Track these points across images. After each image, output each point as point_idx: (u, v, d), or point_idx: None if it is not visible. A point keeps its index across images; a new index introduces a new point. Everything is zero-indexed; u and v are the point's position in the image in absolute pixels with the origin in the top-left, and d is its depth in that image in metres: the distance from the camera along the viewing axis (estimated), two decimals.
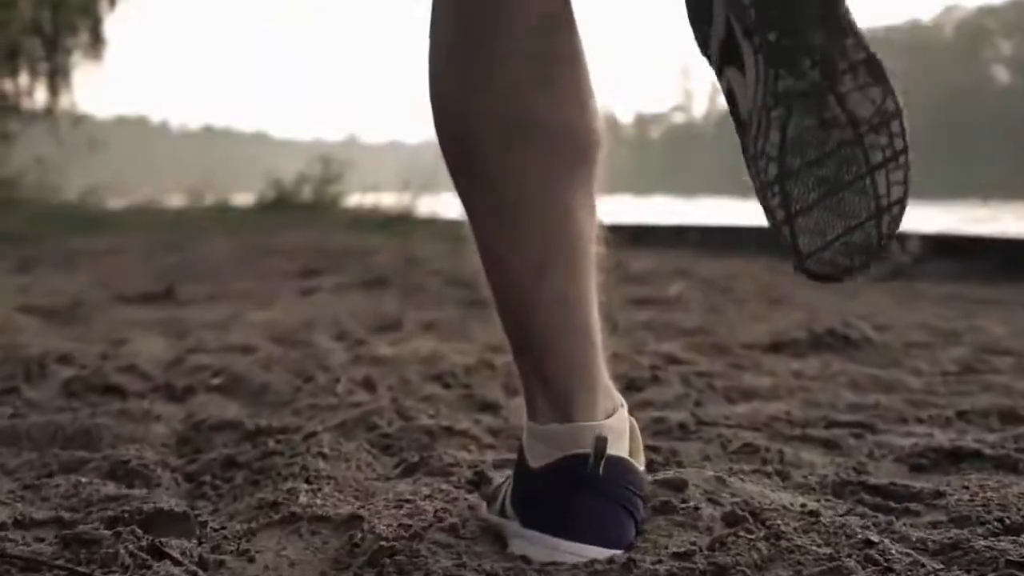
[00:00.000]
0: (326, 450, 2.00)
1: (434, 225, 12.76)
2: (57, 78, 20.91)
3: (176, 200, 20.01)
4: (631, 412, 1.68)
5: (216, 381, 2.83)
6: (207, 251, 9.80)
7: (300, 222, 13.95)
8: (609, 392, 1.65)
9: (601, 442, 1.55)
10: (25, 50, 20.08)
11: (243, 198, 19.02)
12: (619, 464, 1.58)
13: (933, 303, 5.77)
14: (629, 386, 2.76)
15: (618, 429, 1.61)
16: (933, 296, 6.16)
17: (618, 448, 1.59)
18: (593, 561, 1.50)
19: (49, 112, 20.62)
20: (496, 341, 3.71)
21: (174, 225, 13.85)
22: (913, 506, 1.78)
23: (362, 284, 6.39)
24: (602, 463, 1.55)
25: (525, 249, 1.61)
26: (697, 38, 1.52)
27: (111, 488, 1.86)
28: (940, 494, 1.83)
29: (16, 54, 18.42)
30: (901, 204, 1.45)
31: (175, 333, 4.30)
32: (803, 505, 1.71)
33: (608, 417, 1.60)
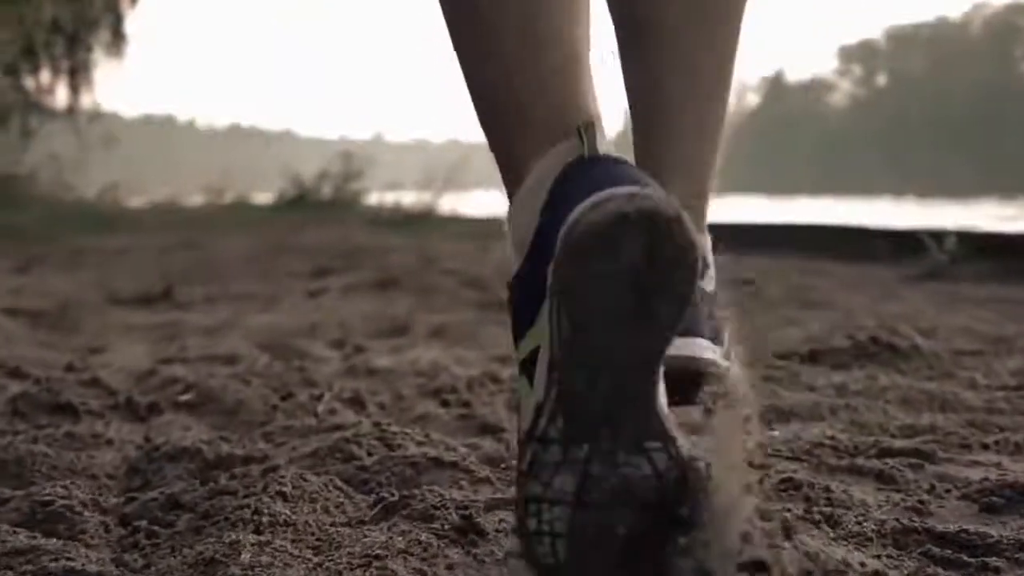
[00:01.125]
0: (288, 488, 1.68)
1: (455, 223, 12.48)
2: (78, 75, 20.72)
3: (196, 199, 19.82)
4: None
5: (185, 398, 2.51)
6: (221, 250, 9.52)
7: (319, 220, 13.66)
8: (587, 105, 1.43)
9: (588, 124, 1.36)
10: (46, 47, 19.85)
11: (265, 196, 18.82)
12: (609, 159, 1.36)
13: (975, 305, 5.42)
14: None
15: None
16: (974, 298, 5.81)
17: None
18: None
19: (70, 110, 20.44)
20: (505, 350, 3.41)
21: (191, 223, 13.58)
22: (992, 561, 1.46)
23: (374, 285, 6.08)
24: (596, 143, 1.35)
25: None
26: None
27: (22, 538, 1.54)
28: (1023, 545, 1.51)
29: (36, 51, 18.13)
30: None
31: (161, 339, 4.00)
32: (863, 564, 1.39)
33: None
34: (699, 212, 1.75)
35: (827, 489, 1.75)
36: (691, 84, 1.69)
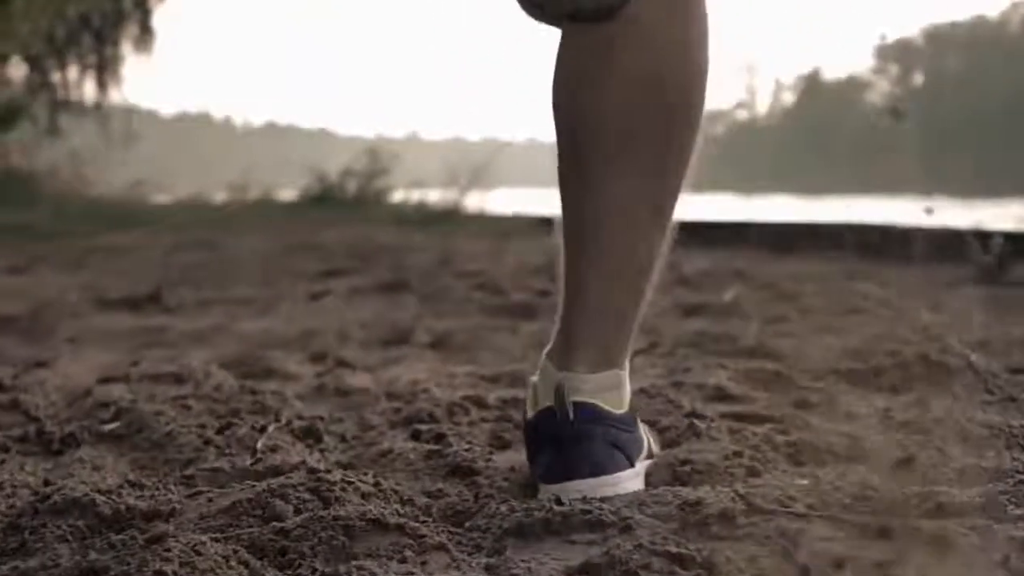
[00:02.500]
0: (173, 565, 1.29)
1: (480, 221, 12.10)
2: (106, 71, 20.48)
3: (220, 196, 19.52)
4: None
5: (111, 427, 2.13)
6: (235, 249, 9.16)
7: (342, 218, 13.30)
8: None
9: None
10: (69, 42, 19.60)
11: (291, 193, 18.49)
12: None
13: None
14: (659, 441, 2.06)
15: (603, 385, 1.76)
16: None
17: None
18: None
19: (97, 106, 20.20)
20: (504, 365, 3.02)
21: (211, 221, 13.24)
22: None
23: (382, 287, 5.71)
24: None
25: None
26: None
27: None
28: None
29: (59, 46, 17.85)
30: None
31: (130, 348, 3.65)
32: None
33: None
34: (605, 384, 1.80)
35: (880, 570, 1.35)
36: (599, 266, 1.78)
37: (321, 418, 2.19)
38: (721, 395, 2.47)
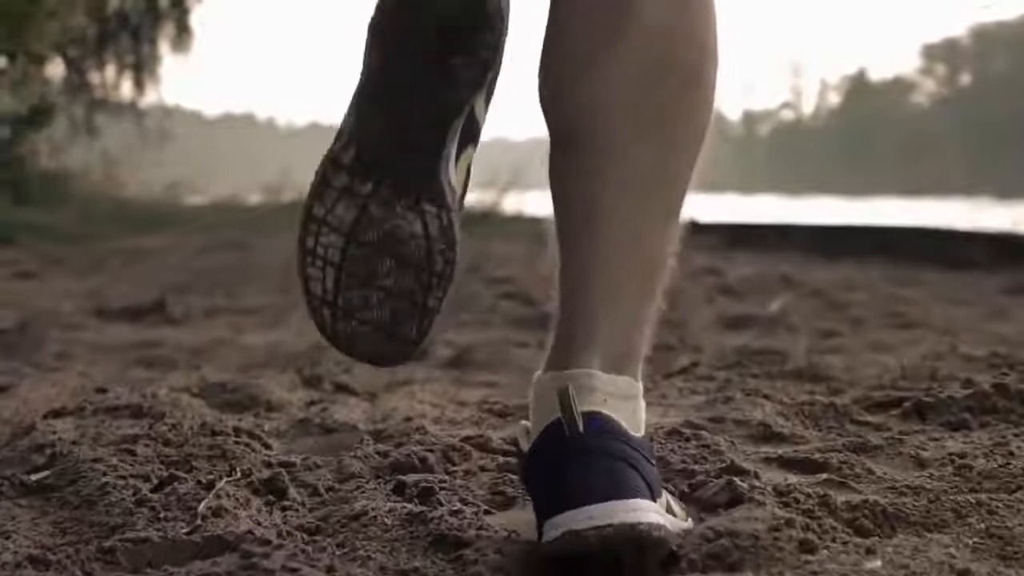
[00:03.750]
0: None
1: (517, 224, 11.75)
2: (143, 71, 20.32)
3: (256, 197, 19.28)
4: None
5: (39, 476, 1.78)
6: (261, 252, 8.85)
7: None
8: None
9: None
10: (101, 41, 19.41)
11: None
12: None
13: None
14: (693, 502, 1.71)
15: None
16: None
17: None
18: None
19: (133, 106, 20.03)
20: (523, 390, 2.66)
21: (242, 223, 12.94)
22: None
23: None
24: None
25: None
26: None
27: None
28: None
29: (87, 42, 17.62)
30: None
31: (117, 364, 3.35)
32: None
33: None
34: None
35: None
36: (607, 255, 1.57)
37: (292, 464, 1.85)
38: (767, 434, 2.11)
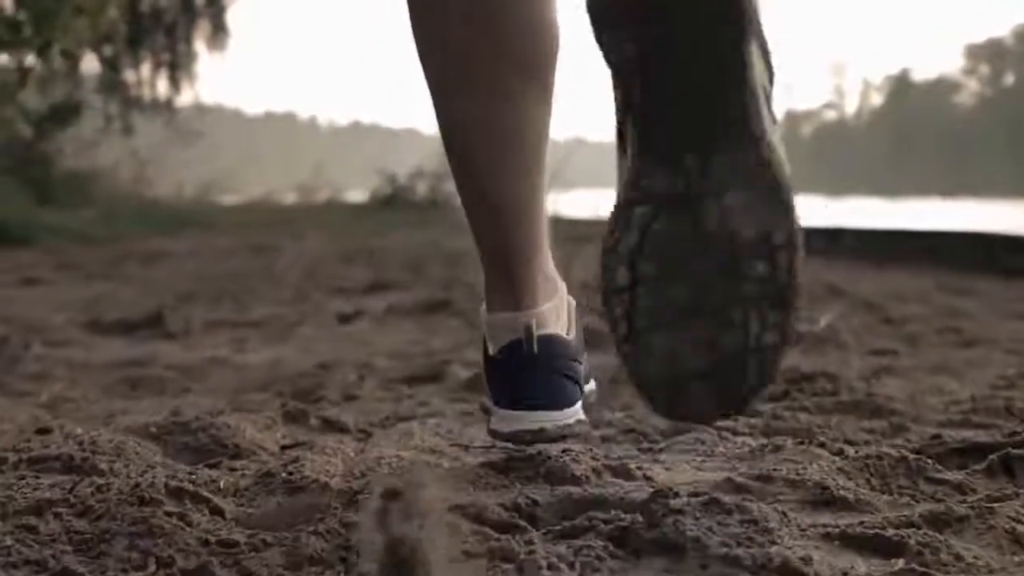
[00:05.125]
0: None
1: (552, 225, 11.35)
2: (179, 69, 20.15)
3: (291, 197, 19.05)
4: None
5: None
6: (288, 254, 8.53)
7: (409, 221, 12.66)
8: (550, 276, 1.93)
9: (528, 328, 1.85)
10: (134, 39, 19.21)
11: (362, 195, 17.98)
12: (551, 340, 1.87)
13: None
14: None
15: (553, 311, 1.89)
16: None
17: (556, 326, 1.89)
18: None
19: (168, 104, 19.84)
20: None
21: (272, 224, 12.64)
22: None
23: (426, 306, 5.00)
24: (535, 343, 1.84)
25: (486, 149, 1.80)
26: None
27: None
28: None
29: (116, 40, 17.38)
30: (775, 352, 1.29)
31: (96, 389, 3.04)
32: None
33: (547, 301, 1.89)
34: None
35: None
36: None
37: (233, 545, 1.47)
38: (826, 499, 1.73)
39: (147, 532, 1.48)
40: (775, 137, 1.33)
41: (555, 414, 1.82)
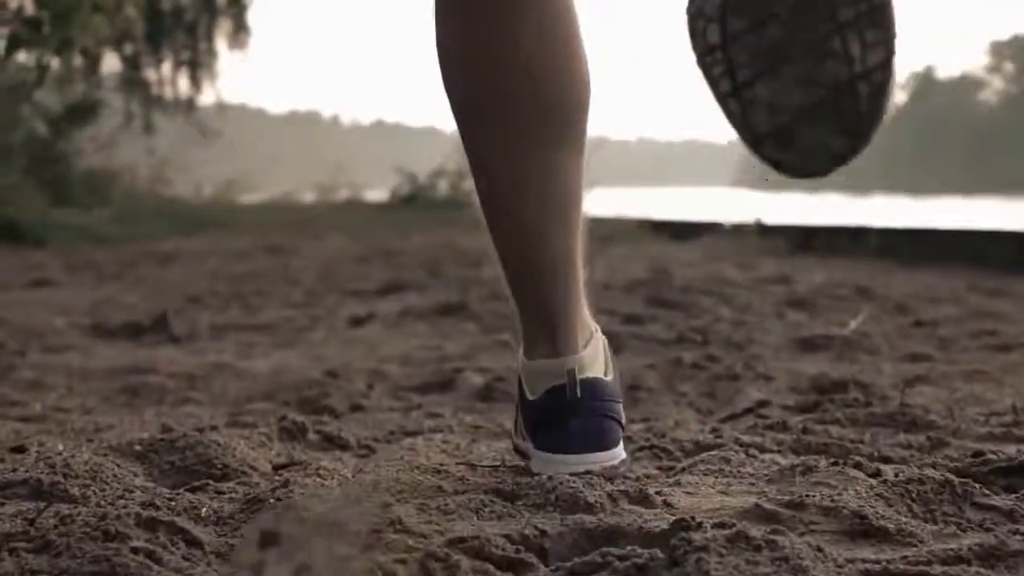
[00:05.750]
0: None
1: None
2: (200, 68, 20.06)
3: (311, 196, 18.94)
4: None
5: None
6: (301, 255, 8.39)
7: (428, 221, 12.51)
8: (586, 323, 1.90)
9: (571, 373, 1.83)
10: (167, 37, 19.14)
11: (382, 194, 17.85)
12: (593, 383, 1.85)
13: None
14: None
15: (593, 354, 1.87)
16: None
17: (594, 369, 1.86)
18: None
19: (189, 103, 19.76)
20: None
21: (290, 224, 12.50)
22: None
23: (441, 309, 4.85)
24: (578, 387, 1.83)
25: (520, 200, 1.79)
26: None
27: None
28: None
29: (136, 38, 17.27)
30: (884, 71, 1.25)
31: (96, 397, 2.92)
32: None
33: (586, 346, 1.87)
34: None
35: None
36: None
37: None
38: (863, 529, 1.57)
39: (109, 572, 1.32)
40: None
41: (600, 455, 1.84)
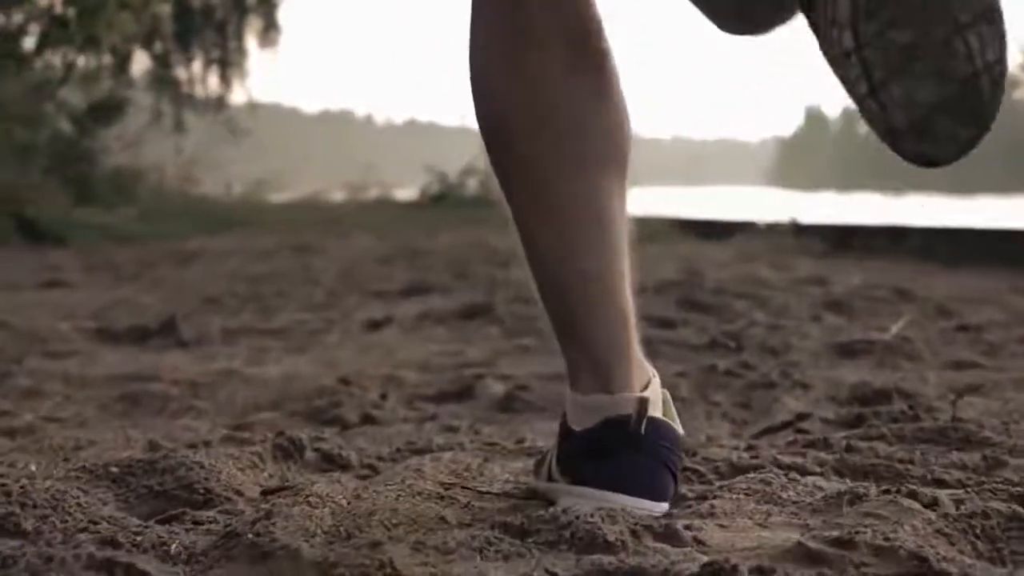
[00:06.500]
0: None
1: None
2: (230, 66, 19.96)
3: (339, 195, 18.81)
4: None
5: None
6: (326, 255, 8.21)
7: (458, 220, 12.32)
8: (642, 365, 1.76)
9: (643, 403, 1.68)
10: (197, 35, 19.06)
11: (412, 193, 17.70)
12: (659, 424, 1.69)
13: None
14: None
15: (654, 398, 1.72)
16: None
17: (655, 411, 1.70)
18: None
19: (219, 101, 19.66)
20: None
21: (317, 223, 12.33)
22: None
23: (464, 312, 4.66)
24: (644, 422, 1.67)
25: (557, 229, 1.70)
26: None
27: None
28: None
29: (161, 37, 17.17)
30: (1001, 63, 1.39)
31: (95, 407, 2.78)
32: None
33: (644, 389, 1.72)
34: None
35: None
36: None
37: None
38: (921, 573, 1.37)
39: None
40: None
41: (649, 504, 1.65)
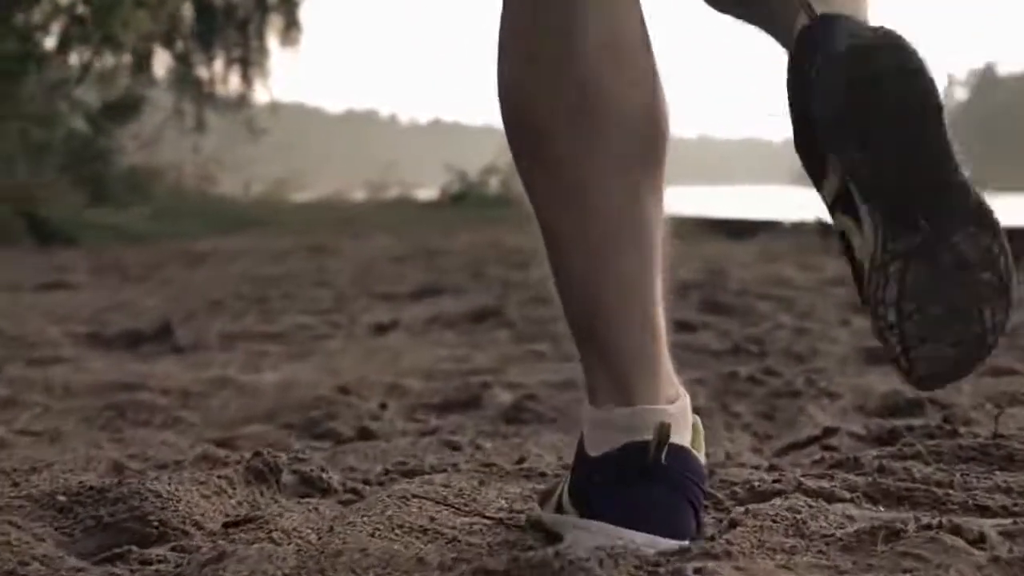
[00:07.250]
0: None
1: None
2: (251, 66, 19.84)
3: (359, 195, 18.71)
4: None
5: None
6: (342, 256, 8.06)
7: (477, 219, 12.17)
8: (671, 379, 1.65)
9: (664, 428, 1.54)
10: (218, 34, 18.95)
11: (432, 192, 17.59)
12: (681, 453, 1.57)
13: None
14: None
15: (680, 417, 1.60)
16: None
17: (681, 438, 1.58)
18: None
19: (241, 100, 19.54)
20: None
21: (336, 223, 12.19)
22: None
23: (475, 315, 4.47)
24: (664, 451, 1.54)
25: (588, 232, 1.61)
26: (808, 171, 1.55)
27: None
28: None
29: (179, 37, 17.04)
30: (1004, 324, 1.51)
31: (74, 419, 2.62)
32: None
33: (670, 403, 1.60)
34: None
35: None
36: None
37: None
38: None
39: None
40: (967, 171, 1.51)
41: (664, 543, 1.48)
